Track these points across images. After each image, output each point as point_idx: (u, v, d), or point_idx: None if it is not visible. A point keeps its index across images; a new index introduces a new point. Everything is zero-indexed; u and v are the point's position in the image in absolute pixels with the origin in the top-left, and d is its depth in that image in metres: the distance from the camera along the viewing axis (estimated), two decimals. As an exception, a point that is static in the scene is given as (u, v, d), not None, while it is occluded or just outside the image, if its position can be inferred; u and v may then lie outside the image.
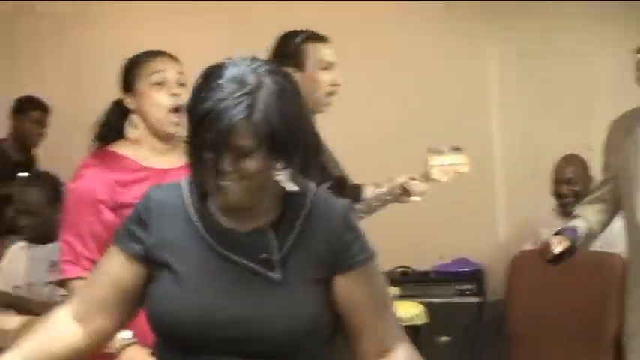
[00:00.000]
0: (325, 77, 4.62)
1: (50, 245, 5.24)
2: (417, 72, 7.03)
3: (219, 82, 2.35)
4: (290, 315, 2.48)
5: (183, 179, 2.63)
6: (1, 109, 7.84)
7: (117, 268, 2.55)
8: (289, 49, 4.73)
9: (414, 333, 5.92)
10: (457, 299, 6.50)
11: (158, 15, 7.96)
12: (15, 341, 3.29)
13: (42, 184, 5.49)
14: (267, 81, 2.36)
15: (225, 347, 2.46)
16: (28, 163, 7.34)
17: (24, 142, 7.48)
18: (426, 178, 4.64)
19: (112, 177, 3.57)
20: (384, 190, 4.66)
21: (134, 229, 2.56)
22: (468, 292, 6.49)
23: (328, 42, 4.73)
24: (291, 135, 2.38)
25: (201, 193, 2.57)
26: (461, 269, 6.60)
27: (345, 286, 2.53)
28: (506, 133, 6.96)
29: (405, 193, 4.58)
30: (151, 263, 2.53)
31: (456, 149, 4.70)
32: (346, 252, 2.54)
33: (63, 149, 6.77)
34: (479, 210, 6.08)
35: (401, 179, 4.59)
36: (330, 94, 4.66)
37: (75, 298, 2.66)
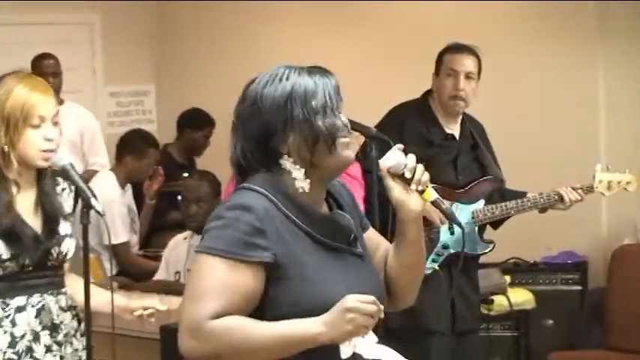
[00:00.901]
0: (448, 83, 4.94)
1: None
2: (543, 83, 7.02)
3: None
4: (378, 282, 2.74)
5: (257, 188, 2.64)
6: (169, 116, 8.31)
7: (248, 281, 2.57)
8: (437, 59, 5.11)
9: (524, 316, 6.22)
10: (562, 287, 6.53)
11: (305, 30, 8.20)
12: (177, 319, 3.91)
13: (209, 180, 5.84)
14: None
15: None
16: (190, 165, 7.79)
17: (191, 151, 7.91)
18: (590, 190, 4.98)
19: None
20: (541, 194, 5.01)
21: (255, 240, 2.57)
22: (571, 282, 6.53)
23: (462, 52, 5.02)
24: None
25: (285, 192, 2.65)
26: (566, 261, 6.63)
27: (370, 239, 2.83)
28: (609, 135, 6.91)
29: (560, 200, 4.92)
30: (274, 267, 2.58)
31: (626, 170, 5.03)
32: (363, 217, 2.88)
33: (219, 153, 7.35)
34: (584, 207, 6.09)
35: (563, 188, 4.91)
36: (453, 98, 4.94)
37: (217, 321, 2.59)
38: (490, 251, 4.99)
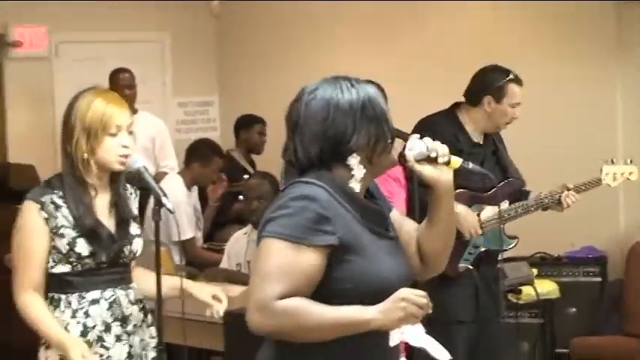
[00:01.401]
0: (510, 113, 4.93)
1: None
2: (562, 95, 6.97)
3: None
4: (408, 261, 2.78)
5: (315, 181, 2.67)
6: (231, 124, 8.26)
7: (312, 263, 2.60)
8: (497, 83, 4.95)
9: (549, 305, 6.18)
10: (583, 279, 6.51)
11: (348, 46, 8.20)
12: (239, 306, 4.26)
13: (269, 180, 5.87)
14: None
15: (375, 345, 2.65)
16: (251, 167, 7.77)
17: (250, 150, 7.93)
18: (598, 182, 4.99)
19: None
20: (543, 194, 4.97)
21: (321, 226, 2.61)
22: (592, 274, 6.50)
23: (521, 85, 4.98)
24: None
25: (339, 185, 2.69)
26: (587, 255, 6.60)
27: (395, 220, 2.84)
28: (627, 138, 6.77)
29: (559, 203, 4.92)
30: (338, 249, 2.62)
31: (628, 161, 5.05)
32: (386, 201, 2.89)
33: (273, 156, 7.50)
34: (604, 206, 6.14)
35: (559, 190, 4.90)
36: (508, 123, 4.98)
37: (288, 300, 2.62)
38: (514, 246, 4.96)
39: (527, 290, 5.75)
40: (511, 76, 4.93)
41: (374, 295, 2.58)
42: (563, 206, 4.92)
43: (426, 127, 4.81)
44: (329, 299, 2.60)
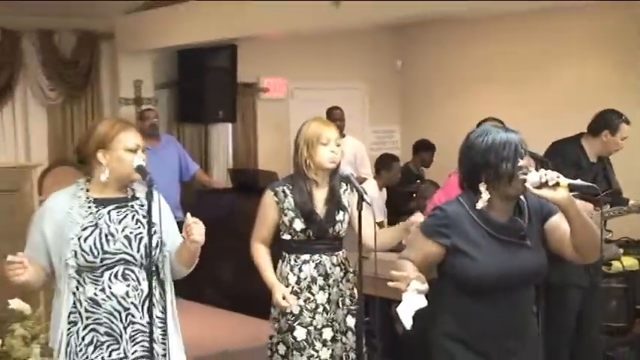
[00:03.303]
0: (620, 144, 4.92)
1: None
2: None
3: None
4: (539, 262, 2.77)
5: (460, 200, 2.73)
6: (408, 145, 8.54)
7: (431, 250, 2.72)
8: (614, 122, 4.90)
9: (632, 275, 6.15)
10: None
11: (495, 93, 8.26)
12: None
13: (433, 185, 6.38)
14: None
15: (505, 291, 2.69)
16: (421, 176, 7.99)
17: (423, 164, 8.12)
18: None
19: None
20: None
21: (441, 229, 2.69)
22: None
23: (630, 124, 4.89)
24: None
25: (474, 204, 2.69)
26: None
27: (552, 225, 2.76)
28: None
29: None
30: (450, 248, 2.68)
31: None
32: (547, 212, 2.77)
33: (438, 169, 7.53)
34: None
35: None
36: (616, 150, 4.95)
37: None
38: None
39: (616, 264, 5.81)
40: (624, 118, 4.89)
41: (475, 280, 2.67)
42: None
43: (556, 148, 4.86)
44: (452, 278, 2.67)
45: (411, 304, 2.53)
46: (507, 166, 2.61)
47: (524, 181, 2.58)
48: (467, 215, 2.65)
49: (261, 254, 3.70)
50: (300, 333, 3.65)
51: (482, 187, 2.65)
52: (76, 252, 2.91)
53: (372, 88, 9.12)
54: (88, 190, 3.01)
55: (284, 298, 3.56)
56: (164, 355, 2.99)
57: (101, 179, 2.99)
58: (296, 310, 3.62)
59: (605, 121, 4.95)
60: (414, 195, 6.67)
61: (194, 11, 6.85)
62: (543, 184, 2.56)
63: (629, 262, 6.09)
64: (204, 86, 7.69)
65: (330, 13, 5.85)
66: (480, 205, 2.62)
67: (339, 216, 3.68)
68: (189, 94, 7.82)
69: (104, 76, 7.74)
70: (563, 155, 4.72)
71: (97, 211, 2.96)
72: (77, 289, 2.96)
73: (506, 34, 8.11)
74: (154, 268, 2.98)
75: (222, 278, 7.02)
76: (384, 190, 7.07)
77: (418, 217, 3.42)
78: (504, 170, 2.62)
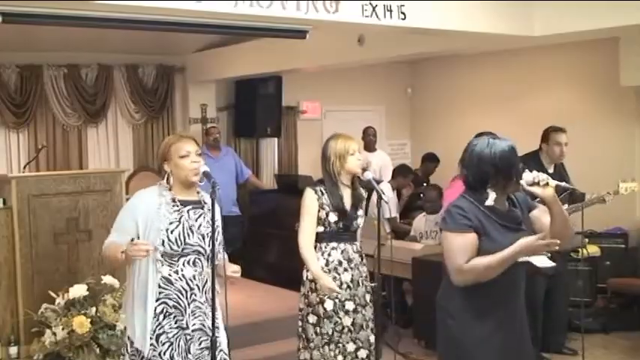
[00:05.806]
0: (557, 150, 4.87)
1: (435, 215, 5.87)
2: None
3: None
4: None
5: (468, 197, 2.63)
6: (418, 156, 8.16)
7: (470, 238, 2.59)
8: (546, 133, 4.92)
9: (594, 260, 6.09)
10: (614, 246, 6.52)
11: (491, 104, 7.99)
12: (421, 254, 4.25)
13: (437, 189, 6.21)
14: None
15: (510, 278, 2.60)
16: (427, 181, 7.70)
17: (427, 173, 7.84)
18: (617, 193, 4.71)
19: None
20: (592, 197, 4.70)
21: (465, 221, 2.60)
22: (619, 243, 6.55)
23: (564, 132, 4.85)
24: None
25: (481, 200, 2.60)
26: (616, 232, 6.59)
27: (533, 215, 2.70)
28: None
29: (603, 201, 4.73)
30: (476, 232, 2.57)
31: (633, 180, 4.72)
32: (530, 205, 2.72)
33: (441, 175, 7.43)
34: (627, 201, 5.67)
35: (602, 194, 4.69)
36: (560, 156, 4.85)
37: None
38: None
39: (582, 251, 5.61)
40: (554, 128, 4.84)
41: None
42: (605, 203, 4.75)
43: (522, 160, 4.42)
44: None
45: (543, 262, 2.56)
46: (514, 170, 2.57)
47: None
48: (477, 208, 2.58)
49: (309, 250, 3.60)
50: (329, 304, 3.61)
51: (490, 188, 2.59)
52: (164, 241, 2.88)
53: (387, 110, 9.03)
54: (170, 190, 2.98)
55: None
56: (217, 328, 2.96)
57: (171, 183, 2.98)
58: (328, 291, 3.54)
59: (542, 136, 4.91)
60: (421, 195, 6.48)
61: (247, 50, 6.92)
62: (535, 183, 2.50)
63: (592, 249, 6.04)
64: (256, 109, 7.70)
65: (356, 50, 5.92)
66: (488, 202, 2.56)
67: (360, 212, 3.68)
68: (244, 114, 7.84)
69: (177, 100, 7.82)
70: (527, 167, 4.56)
71: (180, 210, 2.93)
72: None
73: (496, 67, 7.97)
74: (214, 259, 2.95)
75: (268, 259, 6.98)
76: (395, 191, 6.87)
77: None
78: (513, 174, 2.57)
